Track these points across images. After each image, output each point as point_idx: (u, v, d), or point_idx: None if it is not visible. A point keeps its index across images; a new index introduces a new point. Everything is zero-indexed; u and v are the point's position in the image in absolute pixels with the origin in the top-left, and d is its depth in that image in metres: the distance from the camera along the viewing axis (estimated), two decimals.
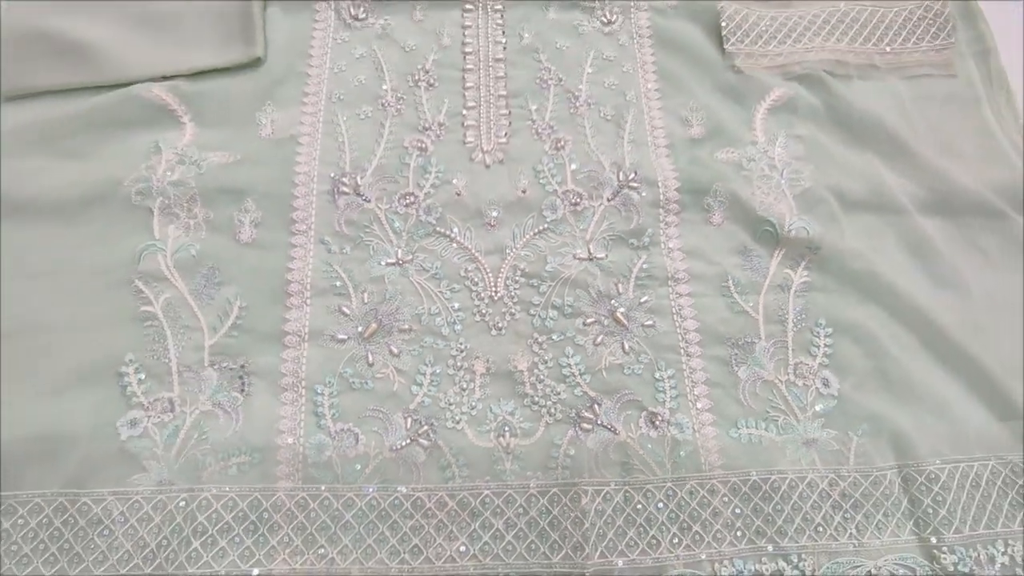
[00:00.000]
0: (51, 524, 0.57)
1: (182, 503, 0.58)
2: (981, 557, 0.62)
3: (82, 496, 0.58)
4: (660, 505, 0.62)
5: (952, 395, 0.70)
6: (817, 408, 0.68)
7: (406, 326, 0.69)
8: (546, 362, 0.68)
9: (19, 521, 0.57)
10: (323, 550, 0.58)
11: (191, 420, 0.62)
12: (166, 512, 0.58)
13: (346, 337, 0.68)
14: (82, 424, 0.60)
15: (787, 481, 0.64)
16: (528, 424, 0.65)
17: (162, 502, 0.58)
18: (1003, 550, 0.63)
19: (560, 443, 0.64)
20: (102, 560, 0.56)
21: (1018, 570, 0.62)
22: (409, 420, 0.64)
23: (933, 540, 0.62)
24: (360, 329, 0.68)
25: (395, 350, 0.68)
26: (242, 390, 0.64)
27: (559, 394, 0.67)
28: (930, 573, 0.61)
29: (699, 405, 0.68)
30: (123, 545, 0.56)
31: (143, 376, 0.64)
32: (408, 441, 0.63)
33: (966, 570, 0.61)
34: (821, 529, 0.63)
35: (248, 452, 0.61)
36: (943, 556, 0.62)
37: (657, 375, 0.68)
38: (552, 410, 0.66)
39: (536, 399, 0.67)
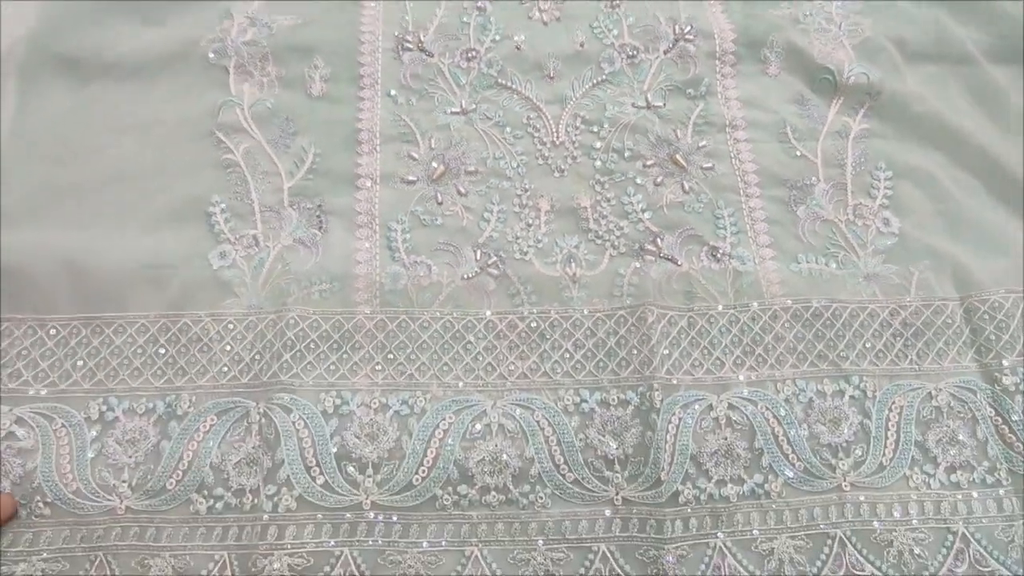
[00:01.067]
0: (157, 341, 0.58)
1: (271, 323, 0.59)
2: None
3: (183, 317, 0.59)
4: (723, 329, 0.61)
5: (1015, 233, 0.67)
6: (877, 245, 0.66)
7: (472, 168, 0.68)
8: (608, 200, 0.67)
9: (128, 339, 0.58)
10: (402, 367, 0.58)
11: (274, 253, 0.63)
12: (257, 331, 0.59)
13: (415, 179, 0.67)
14: (177, 255, 0.61)
15: (848, 310, 0.62)
16: (593, 256, 0.65)
17: (253, 322, 0.59)
18: None
19: (624, 273, 0.64)
20: (203, 372, 0.57)
21: None
22: (479, 252, 0.64)
23: (994, 363, 0.60)
24: (428, 171, 0.68)
25: (462, 190, 0.67)
26: (320, 227, 0.64)
27: (622, 229, 0.66)
28: (991, 394, 0.59)
29: (759, 240, 0.66)
30: (221, 359, 0.58)
31: (228, 215, 0.64)
32: (478, 271, 0.63)
33: None
34: (882, 355, 0.61)
35: (328, 280, 0.61)
36: (1004, 377, 0.59)
37: (717, 213, 0.67)
38: (615, 243, 0.65)
39: (600, 234, 0.65)
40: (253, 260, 0.62)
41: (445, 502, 0.54)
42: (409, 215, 0.65)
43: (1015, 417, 0.58)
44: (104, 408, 0.56)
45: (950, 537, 0.55)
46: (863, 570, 0.54)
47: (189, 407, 0.56)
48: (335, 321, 0.60)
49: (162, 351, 0.58)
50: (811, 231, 0.67)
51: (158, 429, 0.56)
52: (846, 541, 0.55)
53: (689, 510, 0.54)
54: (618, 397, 0.58)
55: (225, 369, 0.58)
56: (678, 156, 0.69)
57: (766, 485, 0.56)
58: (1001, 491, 0.56)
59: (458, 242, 0.64)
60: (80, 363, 0.57)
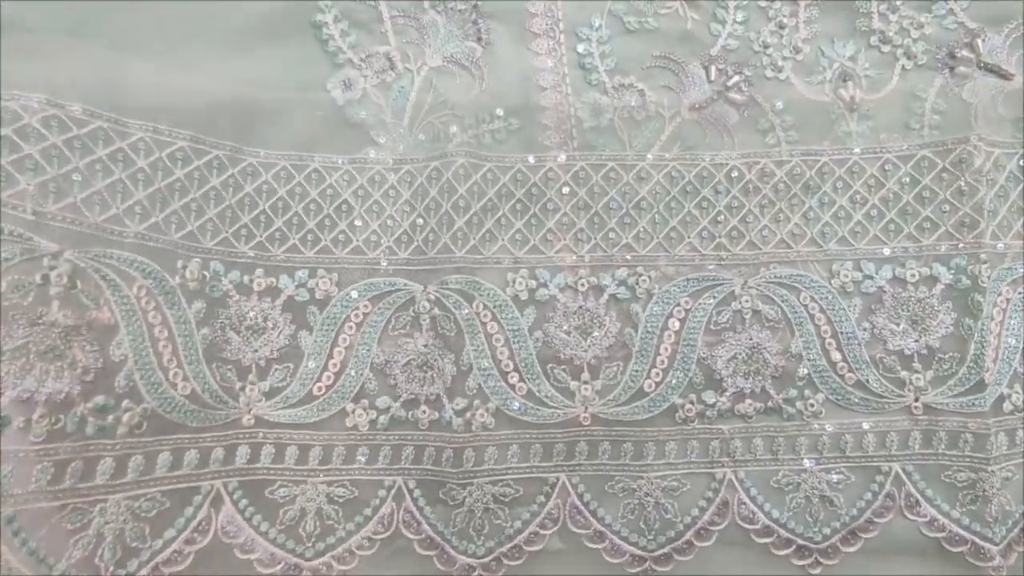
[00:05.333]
0: (274, 191, 0.40)
1: (433, 175, 0.40)
2: None
3: (309, 163, 0.40)
4: None
5: None
6: None
7: None
8: None
9: (229, 182, 0.39)
10: (614, 234, 0.40)
11: (421, 79, 0.42)
12: (416, 187, 0.41)
13: None
14: (280, 86, 0.41)
15: None
16: (877, 71, 0.42)
17: (409, 174, 0.41)
18: None
19: (925, 95, 0.41)
20: (346, 241, 0.39)
21: None
22: (712, 69, 0.42)
23: None
24: None
25: None
26: (479, 39, 0.43)
27: (922, 27, 0.42)
28: None
29: None
30: (368, 225, 0.40)
31: (346, 26, 0.44)
32: (714, 96, 0.42)
33: None
34: None
35: (504, 115, 0.41)
36: None
37: None
38: (911, 50, 0.42)
39: (888, 36, 0.42)
40: (391, 90, 0.42)
41: (688, 413, 0.39)
42: (607, 16, 0.42)
43: None
44: (205, 273, 0.38)
45: None
46: None
47: (332, 287, 0.39)
48: (516, 173, 0.40)
49: (285, 205, 0.39)
50: None
51: (291, 316, 0.39)
52: None
53: (1018, 420, 0.39)
54: (919, 272, 0.39)
55: (375, 238, 0.40)
56: None
57: None
58: None
59: (682, 55, 0.42)
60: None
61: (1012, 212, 0.40)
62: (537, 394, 0.38)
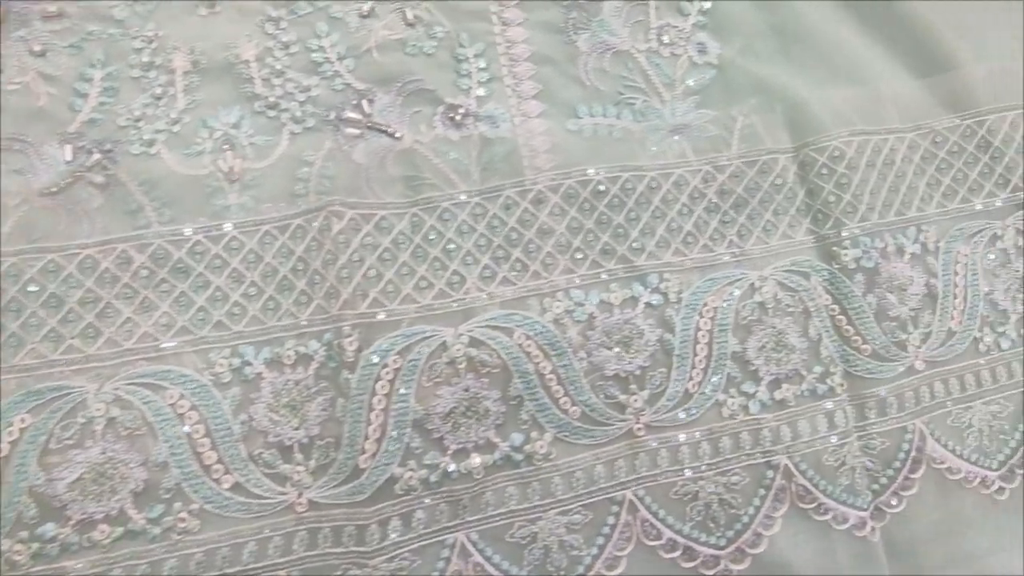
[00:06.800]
0: None
1: None
2: (888, 248, 0.42)
3: None
4: (464, 228, 0.38)
5: (864, 52, 0.46)
6: (690, 83, 0.45)
7: (53, 9, 0.38)
8: (286, 46, 0.40)
9: None
10: None
11: None
12: None
13: None
14: None
15: (645, 181, 0.41)
16: (262, 138, 0.38)
17: None
18: (914, 238, 0.43)
19: (312, 159, 0.38)
20: None
21: (929, 258, 0.44)
22: (69, 148, 0.37)
23: (832, 234, 0.42)
24: None
25: (37, 48, 0.38)
26: None
27: (308, 90, 0.40)
28: (828, 276, 0.43)
29: (521, 90, 0.42)
30: None
31: None
32: (70, 179, 0.36)
33: (870, 265, 0.41)
34: (691, 240, 0.41)
35: None
36: (844, 253, 0.41)
37: (458, 52, 0.41)
38: (298, 114, 0.39)
39: (273, 100, 0.39)
40: None
41: (15, 558, 0.31)
42: None
43: (855, 303, 0.43)
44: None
45: (770, 474, 0.39)
46: (659, 537, 0.38)
47: None
48: None
49: None
50: (597, 70, 0.43)
51: None
52: (637, 503, 0.38)
53: (414, 502, 0.35)
54: (296, 351, 0.35)
55: None
56: None
57: (527, 447, 0.36)
58: (831, 403, 0.41)
59: (34, 135, 0.36)
60: None
61: (400, 275, 0.36)
62: None
